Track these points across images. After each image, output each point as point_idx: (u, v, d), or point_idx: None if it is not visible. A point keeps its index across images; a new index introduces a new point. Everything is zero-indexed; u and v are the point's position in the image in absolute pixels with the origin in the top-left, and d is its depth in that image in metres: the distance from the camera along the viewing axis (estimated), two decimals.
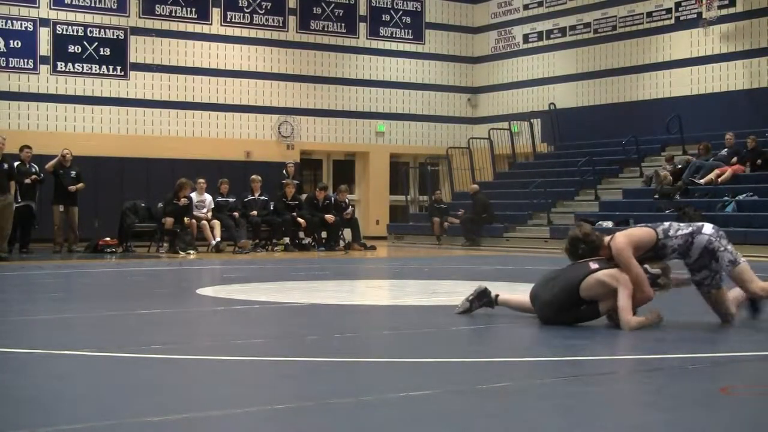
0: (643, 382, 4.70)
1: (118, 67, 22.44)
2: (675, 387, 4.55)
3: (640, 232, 6.36)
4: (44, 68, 21.74)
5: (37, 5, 21.64)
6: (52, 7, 21.80)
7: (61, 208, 17.65)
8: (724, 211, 18.14)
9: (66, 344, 5.76)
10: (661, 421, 3.78)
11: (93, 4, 22.18)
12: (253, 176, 19.47)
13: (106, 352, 5.38)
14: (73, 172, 17.86)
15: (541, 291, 6.54)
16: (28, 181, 16.70)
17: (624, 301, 6.15)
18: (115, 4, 22.41)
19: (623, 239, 6.29)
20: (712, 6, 21.51)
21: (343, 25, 25.36)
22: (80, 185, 17.83)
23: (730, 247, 6.31)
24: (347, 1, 25.41)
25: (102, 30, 22.30)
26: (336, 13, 25.25)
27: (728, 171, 19.14)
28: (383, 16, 25.98)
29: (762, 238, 16.86)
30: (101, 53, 22.25)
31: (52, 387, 4.40)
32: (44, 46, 21.73)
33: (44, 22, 21.72)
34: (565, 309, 6.37)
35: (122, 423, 3.63)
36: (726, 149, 19.78)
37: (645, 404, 4.08)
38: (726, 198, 18.46)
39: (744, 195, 18.39)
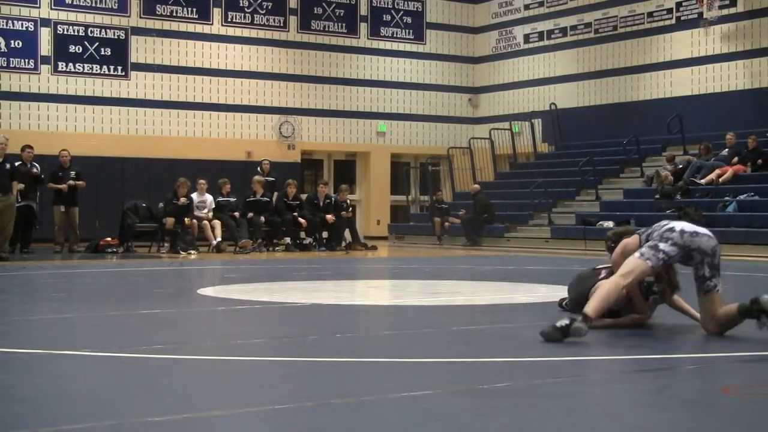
0: (643, 382, 4.70)
1: (119, 67, 22.45)
2: (675, 387, 4.55)
3: (631, 240, 6.32)
4: (45, 68, 21.75)
5: (38, 5, 21.65)
6: (52, 7, 21.81)
7: (62, 208, 17.67)
8: (724, 211, 18.14)
9: (67, 344, 5.77)
10: (662, 421, 3.78)
11: (94, 4, 22.20)
12: (256, 177, 19.44)
13: (107, 353, 5.39)
14: (73, 172, 17.87)
15: (573, 285, 6.77)
16: (21, 186, 16.39)
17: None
18: (116, 4, 22.42)
19: (617, 252, 6.32)
20: (713, 6, 21.51)
21: (343, 25, 25.37)
22: (80, 182, 17.83)
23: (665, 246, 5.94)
24: (348, 1, 25.41)
25: (103, 30, 22.31)
26: (337, 13, 25.25)
27: (729, 171, 19.14)
28: (384, 16, 25.98)
29: (763, 238, 16.86)
30: (102, 53, 22.27)
31: (53, 387, 4.40)
32: (45, 46, 21.74)
33: (45, 22, 21.73)
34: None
35: (123, 423, 3.63)
36: (727, 149, 19.78)
37: (645, 404, 4.08)
38: (727, 198, 18.46)
39: (745, 195, 18.39)
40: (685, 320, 6.44)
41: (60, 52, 21.87)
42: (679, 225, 6.07)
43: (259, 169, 20.30)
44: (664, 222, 6.20)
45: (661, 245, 5.95)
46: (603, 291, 5.87)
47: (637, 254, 6.00)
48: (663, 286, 6.29)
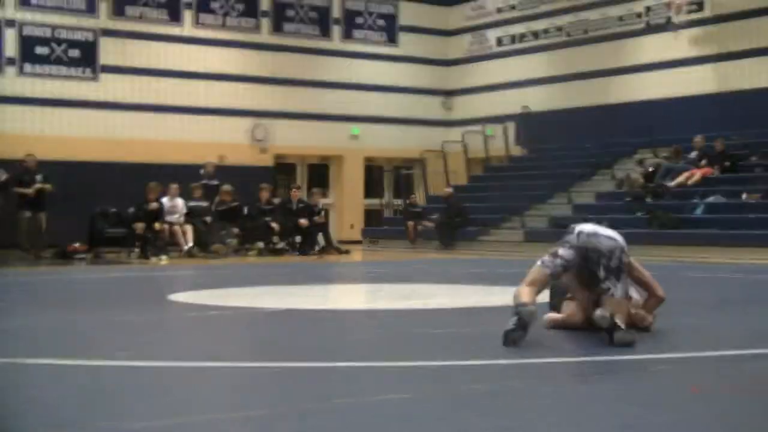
0: (614, 383, 4.71)
1: (88, 69, 22.26)
2: (646, 387, 4.56)
3: None
4: (11, 70, 21.48)
5: (2, 6, 21.39)
6: (18, 7, 21.57)
7: (28, 213, 17.46)
8: (693, 213, 18.28)
9: (33, 352, 5.69)
10: (633, 421, 3.78)
11: (61, 5, 21.96)
12: (223, 187, 19.28)
13: (75, 360, 5.31)
14: (40, 176, 17.67)
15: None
16: None
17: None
18: (85, 5, 22.21)
19: None
20: (682, 10, 21.66)
21: (316, 27, 25.31)
22: (47, 186, 17.64)
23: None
24: (321, 4, 25.36)
25: (71, 31, 22.08)
26: (310, 16, 25.20)
27: (698, 174, 19.30)
28: (357, 18, 25.96)
29: (731, 240, 16.98)
30: (70, 55, 22.05)
31: (17, 395, 4.32)
32: (10, 48, 21.46)
33: (10, 23, 21.44)
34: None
35: (91, 430, 3.58)
36: (695, 152, 19.93)
37: (617, 404, 4.08)
38: (695, 200, 18.60)
39: (713, 197, 18.53)
40: (655, 320, 6.44)
41: (26, 53, 21.60)
42: (580, 227, 6.01)
43: (201, 171, 20.08)
44: (572, 225, 6.13)
45: (560, 250, 5.91)
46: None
47: (539, 261, 5.96)
48: (610, 311, 6.24)
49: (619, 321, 5.57)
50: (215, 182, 19.66)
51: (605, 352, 5.55)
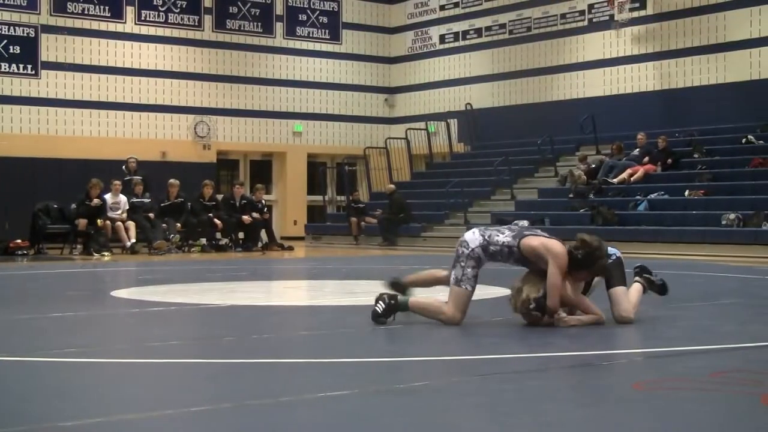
0: (558, 379, 4.76)
1: (29, 66, 21.94)
2: (589, 383, 4.62)
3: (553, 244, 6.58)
4: None
5: None
6: None
7: None
8: (636, 209, 18.53)
9: None
10: (576, 417, 3.84)
11: (1, 1, 21.64)
12: (171, 180, 19.16)
13: (17, 356, 5.26)
14: None
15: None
16: None
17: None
18: (25, 1, 21.90)
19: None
20: (624, 8, 21.93)
21: (259, 24, 25.21)
22: None
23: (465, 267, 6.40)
24: (264, 1, 25.26)
25: (11, 27, 21.76)
26: (252, 13, 25.08)
27: (640, 170, 19.55)
28: (300, 15, 25.89)
29: (672, 236, 17.24)
30: (11, 51, 21.73)
31: None
32: None
33: None
34: None
35: (34, 428, 3.55)
36: (638, 149, 20.19)
37: (560, 400, 4.14)
38: (638, 197, 18.85)
39: (655, 194, 18.80)
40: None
41: None
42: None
43: (124, 167, 19.90)
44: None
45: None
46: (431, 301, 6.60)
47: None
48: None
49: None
50: (137, 178, 19.46)
51: (530, 350, 5.61)
